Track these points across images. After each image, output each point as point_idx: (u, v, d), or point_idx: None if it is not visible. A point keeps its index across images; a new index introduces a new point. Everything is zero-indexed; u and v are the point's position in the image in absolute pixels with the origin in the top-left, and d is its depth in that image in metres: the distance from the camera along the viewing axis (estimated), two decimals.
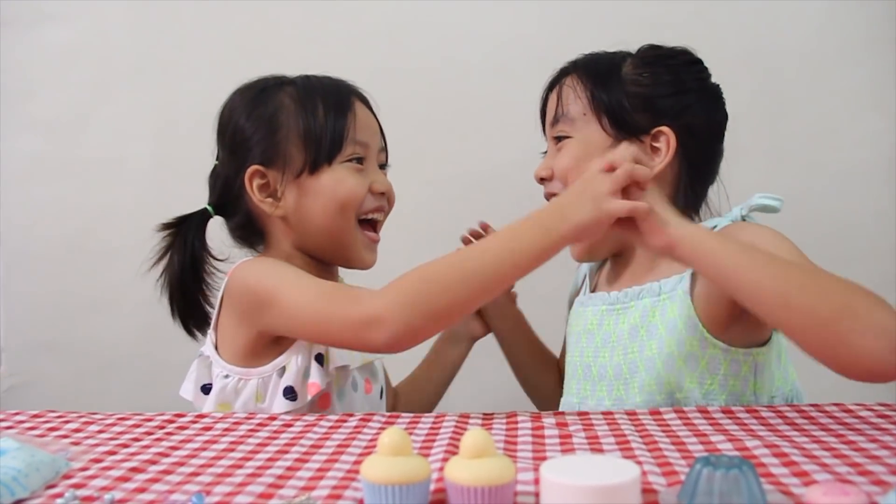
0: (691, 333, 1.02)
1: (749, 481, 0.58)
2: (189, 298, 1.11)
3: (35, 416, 0.96)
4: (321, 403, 1.04)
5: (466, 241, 1.30)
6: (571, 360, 1.17)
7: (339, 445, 0.83)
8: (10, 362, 1.88)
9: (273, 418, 0.94)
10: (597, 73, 1.11)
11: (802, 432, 0.82)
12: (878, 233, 1.71)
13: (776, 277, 0.85)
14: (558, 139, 1.13)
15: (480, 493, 0.61)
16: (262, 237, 1.13)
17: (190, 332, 1.13)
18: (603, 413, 0.93)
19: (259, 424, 0.92)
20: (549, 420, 0.90)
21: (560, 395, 1.18)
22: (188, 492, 0.70)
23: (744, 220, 1.07)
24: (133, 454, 0.81)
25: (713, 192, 1.15)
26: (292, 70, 1.15)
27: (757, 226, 1.05)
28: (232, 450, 0.82)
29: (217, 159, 1.14)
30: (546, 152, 1.18)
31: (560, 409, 1.16)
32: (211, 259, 1.12)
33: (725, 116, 1.14)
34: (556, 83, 1.16)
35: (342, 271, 1.18)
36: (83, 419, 0.94)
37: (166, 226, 1.11)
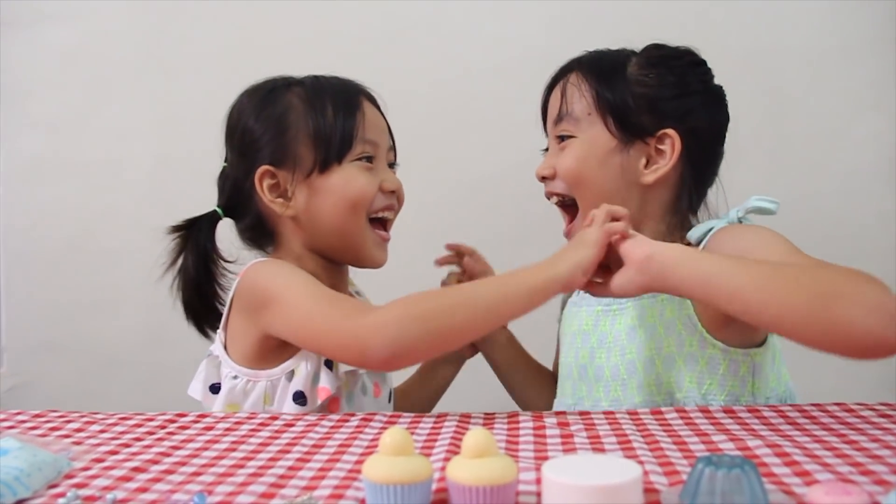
0: (690, 334, 1.02)
1: (751, 481, 0.58)
2: (205, 300, 1.12)
3: (37, 415, 0.96)
4: (330, 407, 1.04)
5: (443, 261, 1.30)
6: (566, 361, 1.16)
7: (340, 445, 0.83)
8: (12, 362, 1.88)
9: (275, 418, 0.94)
10: (602, 72, 1.11)
11: (804, 432, 0.82)
12: (878, 233, 1.71)
13: (754, 278, 0.85)
14: (561, 138, 1.12)
15: (482, 493, 0.61)
16: (272, 238, 1.13)
17: (204, 333, 1.13)
18: (604, 413, 0.93)
19: (261, 424, 0.92)
20: (550, 420, 0.90)
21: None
22: (190, 491, 0.70)
23: (740, 222, 1.07)
24: (135, 454, 0.81)
25: (711, 193, 1.15)
26: (293, 70, 1.15)
27: (753, 226, 1.05)
28: (234, 449, 0.82)
29: (226, 161, 1.14)
30: (546, 149, 1.17)
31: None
32: (222, 261, 1.12)
33: (727, 118, 1.14)
34: (559, 80, 1.15)
35: (352, 270, 1.18)
36: (85, 419, 0.94)
37: (176, 228, 1.11)
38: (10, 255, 1.88)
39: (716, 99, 1.13)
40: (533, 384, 1.30)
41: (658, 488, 0.67)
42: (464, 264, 1.29)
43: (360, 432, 0.87)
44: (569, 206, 1.14)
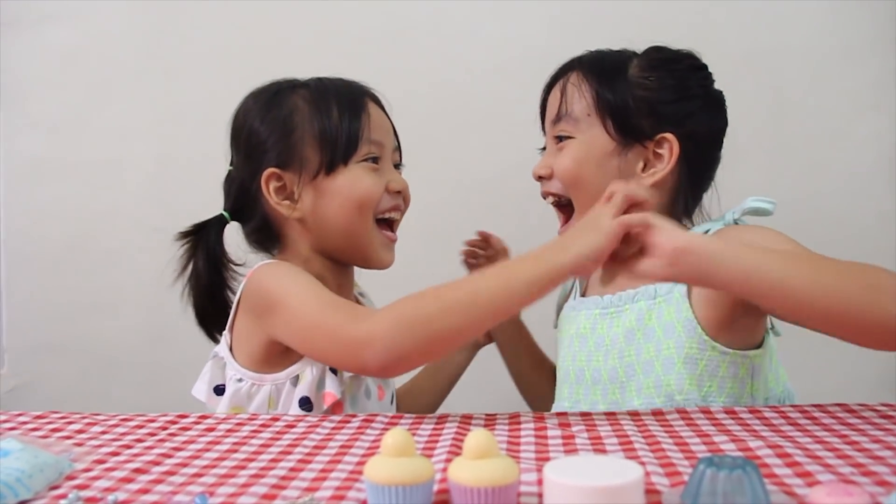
0: (690, 336, 1.02)
1: (752, 482, 0.58)
2: (217, 304, 1.12)
3: (38, 416, 0.96)
4: (334, 411, 1.04)
5: (468, 257, 1.30)
6: (563, 364, 1.16)
7: (342, 446, 0.83)
8: (13, 363, 1.88)
9: (276, 419, 0.94)
10: (602, 73, 1.10)
11: (805, 433, 0.82)
12: (878, 233, 1.71)
13: (802, 272, 0.84)
14: (559, 138, 1.12)
15: (484, 494, 0.61)
16: (279, 241, 1.13)
17: (214, 339, 1.13)
18: (605, 413, 0.93)
19: (262, 425, 0.92)
20: (551, 421, 0.90)
21: None
22: (191, 493, 0.70)
23: (736, 223, 1.07)
24: (136, 455, 0.81)
25: (705, 196, 1.15)
26: (293, 71, 1.15)
27: (753, 226, 1.05)
28: (235, 451, 0.82)
29: (231, 164, 1.14)
30: (544, 148, 1.17)
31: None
32: (231, 265, 1.13)
33: (726, 123, 1.14)
34: (559, 78, 1.14)
35: (357, 271, 1.18)
36: (86, 420, 0.94)
37: (185, 234, 1.12)
38: (11, 255, 1.88)
39: (715, 104, 1.13)
40: (537, 374, 1.31)
41: (659, 489, 0.67)
42: (492, 244, 1.30)
43: (362, 433, 0.87)
44: (565, 206, 1.14)
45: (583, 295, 1.18)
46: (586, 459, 0.68)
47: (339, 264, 1.12)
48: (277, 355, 1.03)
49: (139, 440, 0.86)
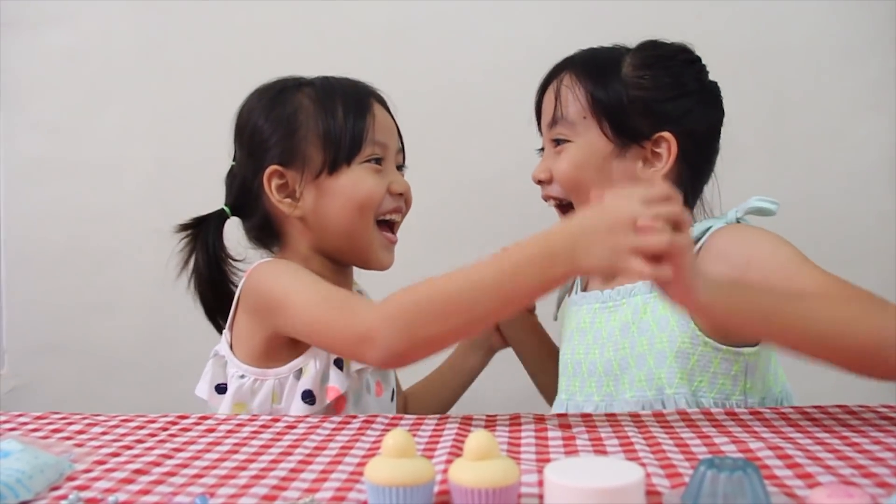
0: (683, 330, 1.02)
1: (753, 483, 0.58)
2: (220, 296, 1.12)
3: (38, 417, 0.96)
4: (337, 406, 1.04)
5: None
6: (563, 358, 1.17)
7: (342, 447, 0.83)
8: (13, 364, 1.88)
9: (277, 420, 0.94)
10: (595, 73, 1.10)
11: (806, 434, 0.82)
12: (878, 233, 1.71)
13: (808, 322, 0.85)
14: (557, 142, 1.11)
15: (484, 495, 0.61)
16: (279, 238, 1.13)
17: (221, 331, 1.13)
18: (606, 414, 0.93)
19: (263, 426, 0.92)
20: (552, 422, 0.90)
21: None
22: (192, 493, 0.70)
23: (738, 222, 1.07)
24: (136, 456, 0.81)
25: (706, 188, 1.15)
26: (294, 71, 1.15)
27: (755, 229, 1.05)
28: (235, 451, 0.82)
29: (234, 160, 1.14)
30: (542, 149, 1.17)
31: (553, 409, 1.16)
32: (230, 259, 1.13)
33: (723, 114, 1.13)
34: (551, 80, 1.14)
35: (356, 271, 1.18)
36: (86, 421, 0.94)
37: (184, 227, 1.12)
38: (11, 256, 1.88)
39: (711, 97, 1.13)
40: (548, 365, 1.29)
41: (660, 490, 0.67)
42: None
43: (363, 434, 0.87)
44: (566, 208, 1.14)
45: (584, 290, 1.19)
46: (587, 461, 0.68)
47: (338, 264, 1.13)
48: (279, 349, 1.03)
49: (139, 441, 0.86)
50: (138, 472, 0.76)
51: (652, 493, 0.66)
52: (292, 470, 0.76)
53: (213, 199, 1.15)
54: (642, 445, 0.80)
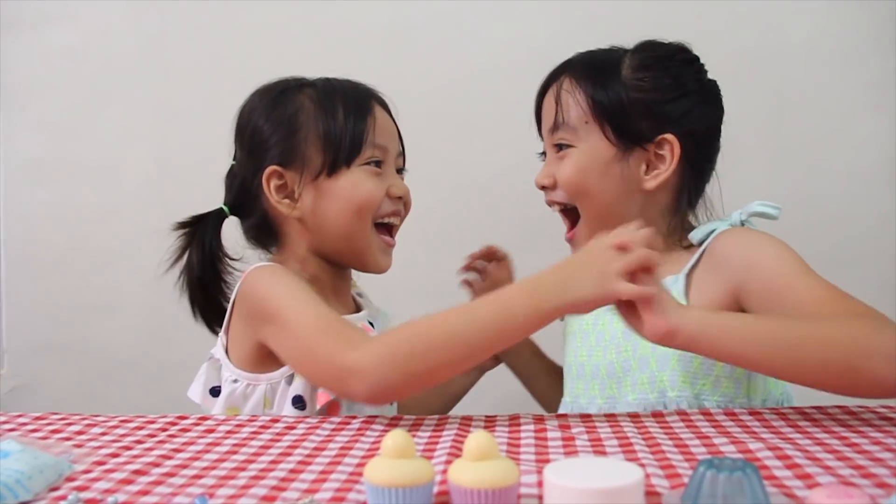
0: None
1: (752, 484, 0.58)
2: (210, 297, 1.11)
3: (37, 418, 0.96)
4: (330, 411, 1.03)
5: (468, 267, 1.30)
6: (567, 360, 1.17)
7: (342, 448, 0.83)
8: (13, 364, 1.88)
9: (276, 420, 0.94)
10: (595, 76, 1.09)
11: (805, 434, 0.82)
12: (878, 234, 1.71)
13: (779, 349, 0.86)
14: (559, 146, 1.11)
15: (484, 496, 0.61)
16: (277, 239, 1.13)
17: (214, 332, 1.13)
18: (605, 415, 0.93)
19: (262, 427, 0.91)
20: (551, 422, 0.90)
21: None
22: (191, 494, 0.70)
23: (742, 224, 1.07)
24: (136, 456, 0.81)
25: (707, 187, 1.15)
26: (293, 72, 1.15)
27: (759, 234, 1.04)
28: (235, 452, 0.82)
29: (234, 159, 1.14)
30: (543, 153, 1.17)
31: (559, 411, 1.16)
32: (226, 259, 1.12)
33: (722, 112, 1.13)
34: (550, 84, 1.13)
35: (354, 274, 1.18)
36: (86, 421, 0.94)
37: (182, 224, 1.11)
38: (11, 256, 1.88)
39: (711, 96, 1.12)
40: (551, 383, 1.30)
41: (659, 491, 0.67)
42: (488, 269, 1.29)
43: (362, 435, 0.87)
44: (570, 212, 1.13)
45: None
46: (586, 461, 0.68)
47: (336, 266, 1.12)
48: (270, 355, 1.02)
49: (139, 441, 0.86)
50: (137, 472, 0.76)
51: (651, 494, 0.66)
52: (291, 470, 0.76)
53: (213, 198, 1.15)
54: (642, 446, 0.80)
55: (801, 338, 0.86)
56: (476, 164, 1.77)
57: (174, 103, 1.83)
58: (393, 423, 0.92)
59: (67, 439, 0.87)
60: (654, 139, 1.07)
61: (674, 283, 1.04)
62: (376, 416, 0.95)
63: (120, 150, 1.84)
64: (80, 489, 0.71)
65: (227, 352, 1.07)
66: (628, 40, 1.14)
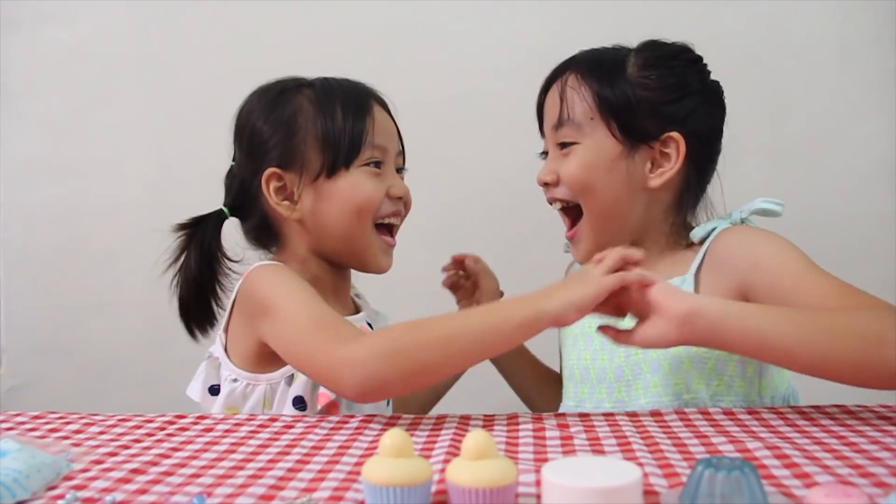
0: None
1: (751, 483, 0.58)
2: (202, 299, 1.11)
3: (36, 417, 0.96)
4: (329, 411, 1.03)
5: (451, 286, 1.31)
6: (568, 363, 1.16)
7: (340, 447, 0.83)
8: (11, 363, 1.88)
9: (274, 419, 0.94)
10: (601, 73, 1.08)
11: (804, 434, 0.82)
12: (878, 233, 1.71)
13: (807, 334, 0.85)
14: (563, 144, 1.10)
15: (482, 495, 0.61)
16: (277, 240, 1.13)
17: (192, 334, 1.12)
18: (604, 414, 0.93)
19: (260, 426, 0.91)
20: (550, 422, 0.90)
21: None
22: (189, 493, 0.70)
23: (742, 223, 1.07)
24: (134, 455, 0.81)
25: (709, 188, 1.15)
26: (293, 72, 1.15)
27: (761, 231, 1.04)
28: (233, 451, 0.82)
29: (234, 160, 1.14)
30: (544, 153, 1.16)
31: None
32: (226, 260, 1.12)
33: (725, 111, 1.13)
34: (555, 81, 1.12)
35: (354, 274, 1.17)
36: (84, 420, 0.94)
37: (182, 226, 1.11)
38: (10, 255, 1.88)
39: (714, 96, 1.12)
40: (542, 389, 1.30)
41: (658, 490, 0.67)
42: (467, 269, 1.29)
43: (360, 434, 0.87)
44: (571, 210, 1.13)
45: None
46: (585, 460, 0.68)
47: (336, 266, 1.12)
48: (271, 355, 1.02)
49: (137, 440, 0.86)
50: (136, 471, 0.76)
51: (649, 493, 0.66)
52: (290, 469, 0.76)
53: (213, 199, 1.15)
54: (640, 445, 0.80)
55: (819, 328, 0.86)
56: (476, 164, 1.76)
57: (173, 103, 1.83)
58: (391, 422, 0.92)
59: (65, 438, 0.87)
60: (659, 137, 1.07)
61: (682, 285, 1.04)
62: (374, 416, 0.95)
63: (119, 150, 1.84)
64: (78, 488, 0.71)
65: (226, 351, 1.07)
66: (629, 41, 1.14)
